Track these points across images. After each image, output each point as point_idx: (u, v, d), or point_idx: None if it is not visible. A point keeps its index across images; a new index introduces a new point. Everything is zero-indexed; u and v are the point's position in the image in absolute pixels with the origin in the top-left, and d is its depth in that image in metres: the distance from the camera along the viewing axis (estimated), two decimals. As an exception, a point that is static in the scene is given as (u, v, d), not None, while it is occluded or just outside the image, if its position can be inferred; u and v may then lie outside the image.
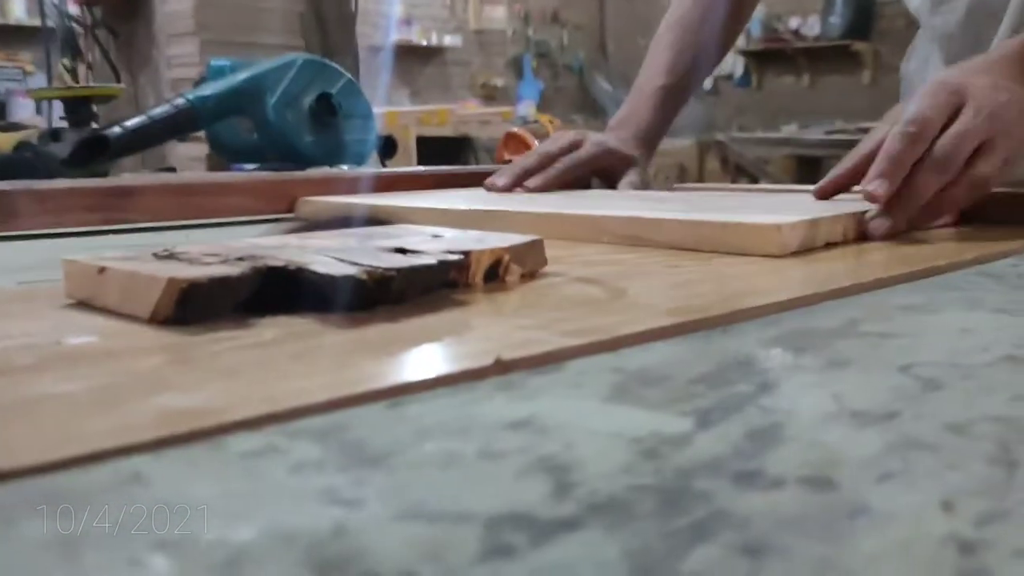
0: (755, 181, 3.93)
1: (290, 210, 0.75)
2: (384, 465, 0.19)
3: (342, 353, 0.27)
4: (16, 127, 0.92)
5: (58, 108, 0.92)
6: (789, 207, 0.54)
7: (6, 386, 0.24)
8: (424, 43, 5.92)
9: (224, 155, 0.96)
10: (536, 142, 0.97)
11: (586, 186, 0.80)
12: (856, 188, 0.57)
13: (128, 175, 0.86)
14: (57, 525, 0.16)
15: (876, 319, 0.33)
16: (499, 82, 6.19)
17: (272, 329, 0.30)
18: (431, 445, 0.20)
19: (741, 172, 4.34)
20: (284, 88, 0.87)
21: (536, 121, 4.07)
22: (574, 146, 0.79)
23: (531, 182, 0.75)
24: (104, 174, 0.77)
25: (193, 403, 0.22)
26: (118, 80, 0.97)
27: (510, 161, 1.01)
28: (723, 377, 0.26)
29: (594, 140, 0.80)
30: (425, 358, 0.28)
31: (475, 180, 0.83)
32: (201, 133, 0.92)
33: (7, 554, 0.15)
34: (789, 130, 5.01)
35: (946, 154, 0.52)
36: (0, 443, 0.19)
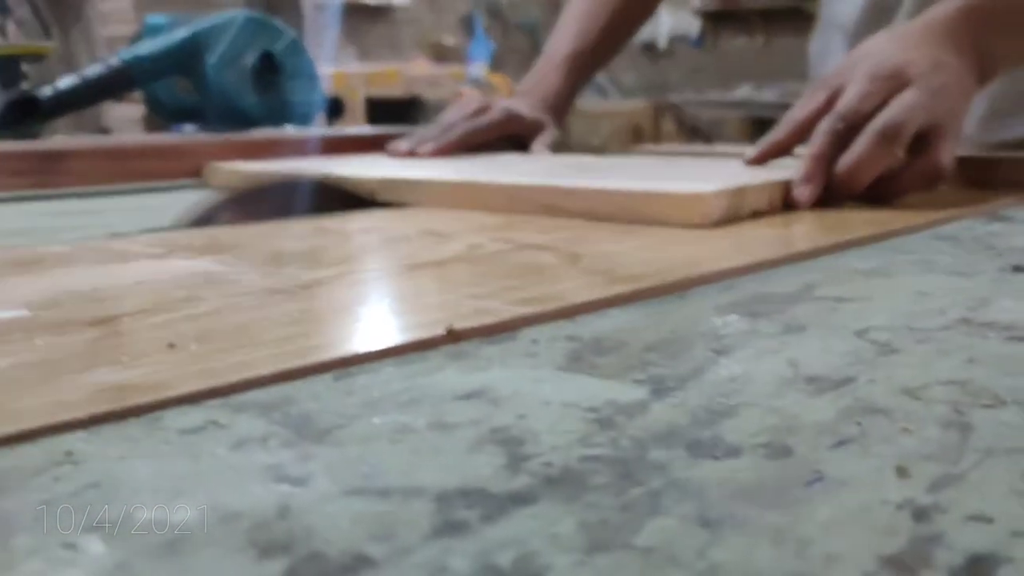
0: (710, 142, 3.96)
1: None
2: (331, 439, 0.18)
3: (287, 323, 0.27)
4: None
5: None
6: (717, 174, 0.52)
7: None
8: (372, 1, 5.80)
9: (162, 116, 0.93)
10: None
11: (494, 151, 0.78)
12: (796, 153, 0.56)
13: (60, 137, 0.83)
14: (-19, 510, 0.15)
15: (832, 283, 0.33)
16: (450, 41, 6.10)
17: (212, 301, 0.29)
18: (380, 418, 0.19)
19: (696, 133, 4.35)
20: (225, 46, 0.84)
21: (489, 82, 4.03)
22: (479, 112, 0.78)
23: (425, 147, 0.73)
24: (35, 136, 0.74)
25: (130, 378, 0.21)
26: (48, 37, 0.93)
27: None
28: (679, 344, 0.25)
29: (501, 106, 0.79)
30: (374, 328, 0.27)
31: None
32: (138, 93, 0.88)
33: (-75, 543, 0.14)
34: (744, 91, 5.03)
35: (892, 122, 0.49)
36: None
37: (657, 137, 4.49)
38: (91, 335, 0.25)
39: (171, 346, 0.23)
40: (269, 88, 0.87)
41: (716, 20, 6.03)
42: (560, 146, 0.81)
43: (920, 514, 0.15)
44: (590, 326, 0.27)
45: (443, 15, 6.23)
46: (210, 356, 0.23)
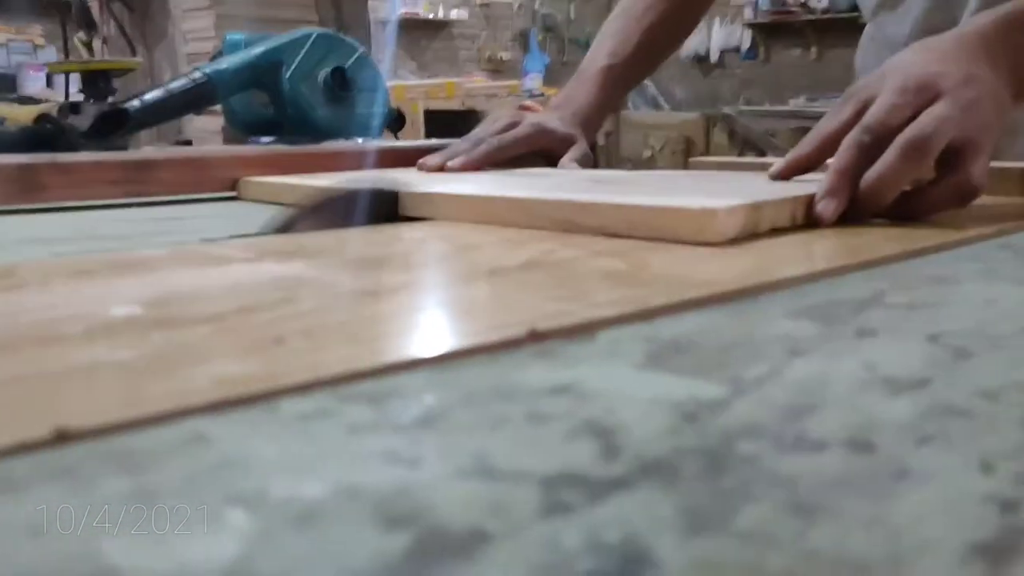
0: (763, 155, 3.92)
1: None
2: (436, 427, 0.19)
3: (380, 322, 0.28)
4: (32, 100, 0.92)
5: (74, 81, 0.92)
6: (740, 189, 0.49)
7: (60, 354, 0.24)
8: (431, 16, 5.89)
9: (239, 128, 0.96)
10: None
11: (526, 166, 0.77)
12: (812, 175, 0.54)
13: (149, 148, 0.86)
14: (132, 482, 0.16)
15: (901, 290, 0.33)
16: (505, 56, 6.15)
17: (308, 301, 0.30)
18: (479, 409, 0.20)
19: (749, 146, 4.32)
20: (299, 62, 0.87)
21: (542, 94, 4.05)
22: (509, 127, 0.78)
23: (454, 162, 0.73)
24: (123, 147, 0.78)
25: (243, 370, 0.22)
26: (134, 54, 0.97)
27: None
28: (754, 346, 0.26)
29: (530, 120, 0.79)
30: (461, 328, 0.28)
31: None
32: (217, 106, 0.92)
33: (90, 508, 0.15)
34: (797, 103, 4.98)
35: (920, 135, 0.47)
36: (63, 406, 0.20)
37: (708, 150, 4.46)
38: (202, 331, 0.26)
39: (277, 341, 0.25)
40: (339, 101, 0.90)
41: (768, 32, 5.98)
42: (590, 159, 0.81)
43: (1008, 506, 0.16)
44: (667, 328, 0.28)
45: (499, 30, 6.28)
46: (314, 351, 0.24)
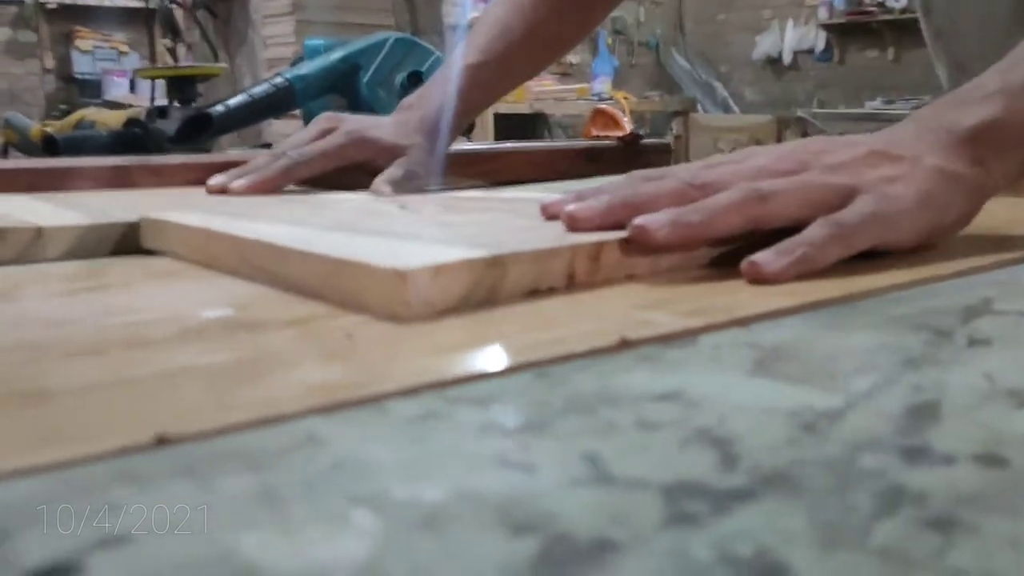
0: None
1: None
2: (546, 432, 0.19)
3: (455, 333, 0.28)
4: (118, 105, 0.95)
5: (159, 86, 0.95)
6: (525, 237, 0.34)
7: (151, 357, 0.24)
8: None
9: (317, 132, 0.97)
10: (625, 119, 0.96)
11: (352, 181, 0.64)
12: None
13: (234, 151, 0.88)
14: (256, 480, 0.16)
15: (1011, 298, 0.32)
16: (574, 59, 6.14)
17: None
18: (586, 414, 0.20)
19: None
20: (377, 66, 0.88)
21: (611, 98, 4.04)
22: (321, 135, 0.65)
23: (239, 182, 0.60)
24: (207, 150, 0.80)
25: (339, 371, 0.23)
26: (216, 59, 1.00)
27: (597, 138, 1.00)
28: (863, 354, 0.25)
29: (346, 128, 0.65)
30: (557, 334, 0.28)
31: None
32: (296, 110, 0.93)
33: (219, 505, 0.15)
34: (873, 105, 4.86)
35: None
36: (161, 410, 0.20)
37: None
38: (290, 333, 0.27)
39: (360, 344, 0.25)
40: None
41: (843, 33, 5.84)
42: (418, 177, 0.65)
43: None
44: (768, 335, 0.27)
45: (566, 32, 6.25)
46: (411, 354, 0.24)
